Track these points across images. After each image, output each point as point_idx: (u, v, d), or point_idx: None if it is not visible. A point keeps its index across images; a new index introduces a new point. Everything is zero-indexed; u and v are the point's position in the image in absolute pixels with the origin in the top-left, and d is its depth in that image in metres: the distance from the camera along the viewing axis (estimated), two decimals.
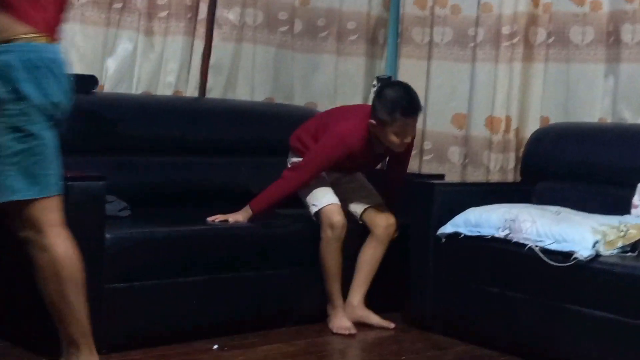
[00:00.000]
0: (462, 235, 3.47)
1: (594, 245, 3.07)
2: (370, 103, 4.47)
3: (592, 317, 3.07)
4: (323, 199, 3.58)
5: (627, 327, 2.97)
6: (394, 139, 3.52)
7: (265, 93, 4.45)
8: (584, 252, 3.06)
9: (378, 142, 3.62)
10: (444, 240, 3.53)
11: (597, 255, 3.07)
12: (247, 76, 4.37)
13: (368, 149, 3.65)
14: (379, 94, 3.60)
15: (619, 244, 3.13)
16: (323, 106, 4.60)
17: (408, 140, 3.59)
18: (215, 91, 4.26)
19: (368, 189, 3.85)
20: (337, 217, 3.52)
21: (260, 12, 4.35)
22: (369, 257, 3.66)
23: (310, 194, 3.61)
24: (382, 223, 3.66)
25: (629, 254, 3.17)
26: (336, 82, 4.70)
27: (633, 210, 3.49)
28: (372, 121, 3.54)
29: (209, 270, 3.34)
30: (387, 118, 3.49)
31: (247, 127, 4.13)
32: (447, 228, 3.52)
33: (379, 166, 4.03)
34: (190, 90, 4.19)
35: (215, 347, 3.20)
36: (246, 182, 3.97)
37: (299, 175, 3.60)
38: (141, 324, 3.15)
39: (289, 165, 3.76)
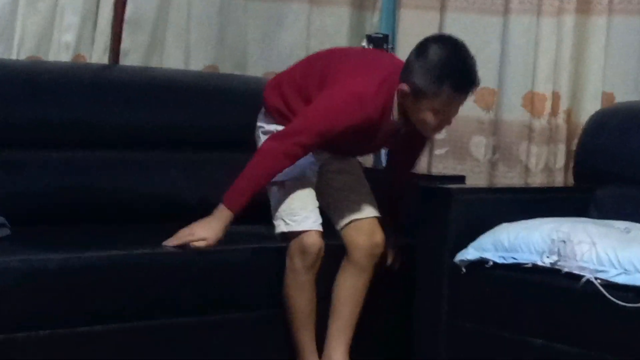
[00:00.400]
0: (491, 263, 3.47)
1: None
2: None
3: None
4: (300, 216, 3.51)
5: None
6: (429, 118, 3.39)
7: (207, 59, 4.48)
8: None
9: (402, 118, 3.50)
10: (464, 270, 3.54)
11: None
12: (179, 34, 4.38)
13: (386, 125, 3.52)
14: (420, 51, 3.43)
15: None
16: None
17: (449, 123, 3.52)
18: (133, 56, 4.26)
19: (364, 191, 3.79)
20: (312, 239, 3.48)
21: None
22: (349, 291, 3.62)
23: (287, 201, 3.52)
24: (364, 242, 3.62)
25: None
26: (309, 44, 4.74)
27: None
28: (405, 88, 3.39)
29: (126, 316, 3.29)
30: (429, 88, 3.33)
31: (181, 109, 4.12)
32: (469, 253, 3.53)
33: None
34: (98, 55, 4.18)
35: None
36: (178, 188, 3.99)
37: (291, 147, 3.42)
38: None
39: (261, 138, 3.65)
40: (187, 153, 4.12)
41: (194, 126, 4.16)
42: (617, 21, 4.31)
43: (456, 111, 3.50)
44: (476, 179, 4.50)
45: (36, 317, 3.09)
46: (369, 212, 3.70)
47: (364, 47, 4.63)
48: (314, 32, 4.75)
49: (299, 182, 3.55)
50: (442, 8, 4.69)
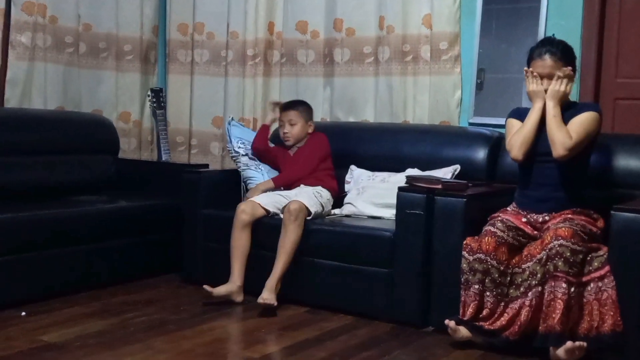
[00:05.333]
0: None
1: None
2: (147, 110, 4.32)
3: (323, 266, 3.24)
4: None
5: (346, 270, 3.19)
6: None
7: (57, 103, 4.20)
8: None
9: None
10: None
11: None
12: (40, 89, 4.09)
13: None
14: None
15: None
16: (107, 112, 4.45)
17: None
18: (12, 102, 3.97)
19: None
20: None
21: (49, 36, 4.11)
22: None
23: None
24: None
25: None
26: (117, 94, 4.53)
27: (347, 185, 3.69)
28: None
29: (11, 252, 3.11)
30: None
31: (43, 131, 3.86)
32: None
33: None
34: None
35: (23, 314, 3.02)
36: (42, 177, 3.77)
37: None
38: None
39: None
40: (47, 156, 3.85)
41: (52, 140, 3.89)
42: (284, 80, 4.28)
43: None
44: (214, 166, 4.41)
45: None
46: None
47: (148, 95, 4.54)
48: (120, 87, 4.53)
49: None
50: (192, 73, 4.59)
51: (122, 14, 4.47)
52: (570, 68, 2.80)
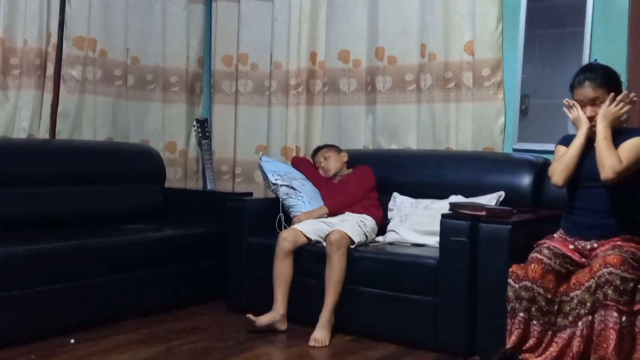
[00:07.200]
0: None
1: None
2: (192, 140, 4.36)
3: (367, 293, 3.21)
4: None
5: (390, 298, 3.14)
6: None
7: (106, 134, 4.30)
8: None
9: None
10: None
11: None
12: (90, 121, 4.20)
13: None
14: None
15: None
16: (154, 143, 4.54)
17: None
18: (63, 134, 4.07)
19: None
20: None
21: (99, 70, 4.23)
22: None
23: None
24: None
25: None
26: (164, 124, 4.63)
27: (389, 213, 3.66)
28: None
29: (61, 280, 3.15)
30: None
31: (92, 161, 3.94)
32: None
33: None
34: (42, 134, 3.99)
35: (72, 341, 3.07)
36: (93, 206, 3.83)
37: None
38: (4, 327, 2.95)
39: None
40: (96, 186, 3.92)
41: (101, 170, 3.96)
42: (327, 109, 4.31)
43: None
44: (258, 194, 4.42)
45: (10, 284, 2.95)
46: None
47: (194, 125, 4.61)
48: (166, 117, 4.62)
49: None
50: (236, 103, 4.64)
51: (168, 47, 4.58)
52: (629, 93, 2.74)
